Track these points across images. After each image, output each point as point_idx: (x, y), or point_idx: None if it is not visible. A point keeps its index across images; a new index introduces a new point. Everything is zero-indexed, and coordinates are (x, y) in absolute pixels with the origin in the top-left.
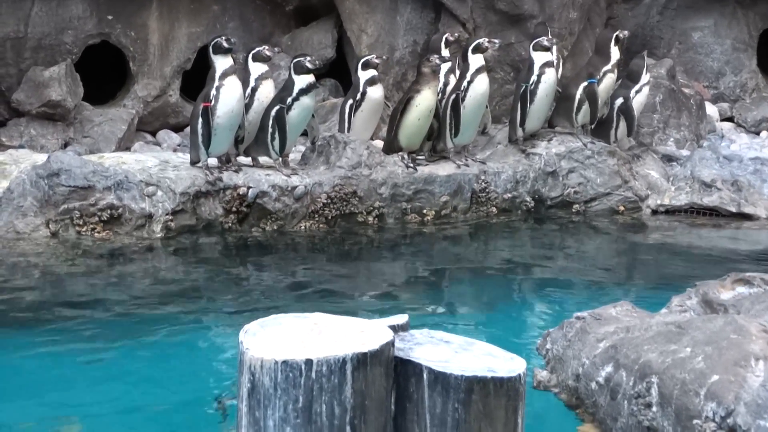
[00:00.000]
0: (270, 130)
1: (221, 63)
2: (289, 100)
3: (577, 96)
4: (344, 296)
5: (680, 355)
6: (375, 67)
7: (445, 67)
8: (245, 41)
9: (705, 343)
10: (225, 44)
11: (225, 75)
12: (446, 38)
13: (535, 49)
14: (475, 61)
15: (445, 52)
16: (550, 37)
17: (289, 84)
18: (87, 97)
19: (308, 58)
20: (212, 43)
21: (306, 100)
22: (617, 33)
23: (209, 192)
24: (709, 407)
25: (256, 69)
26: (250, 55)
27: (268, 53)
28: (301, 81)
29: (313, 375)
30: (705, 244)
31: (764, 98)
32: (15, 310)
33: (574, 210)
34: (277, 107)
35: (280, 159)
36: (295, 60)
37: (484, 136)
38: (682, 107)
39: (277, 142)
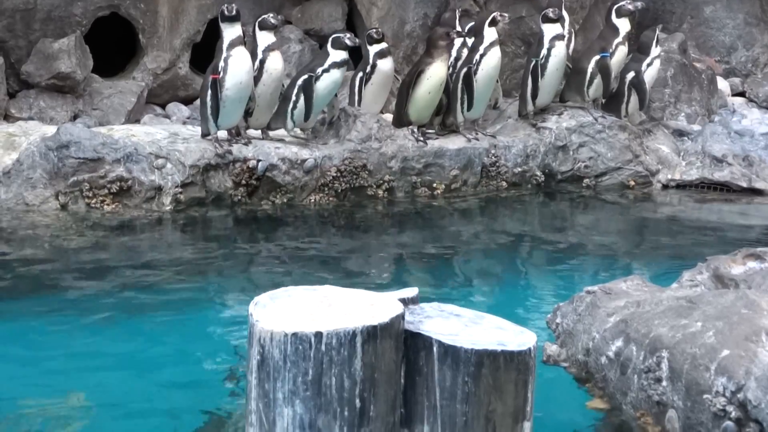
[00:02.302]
0: (294, 98)
1: (229, 32)
2: (320, 70)
3: (589, 70)
4: (354, 269)
5: (691, 330)
6: (377, 41)
7: (458, 41)
8: (255, 14)
9: (716, 317)
10: (226, 12)
11: (232, 45)
12: (460, 15)
13: (543, 21)
14: (489, 34)
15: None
16: (562, 9)
17: (321, 56)
18: (96, 70)
19: (348, 35)
20: (220, 12)
21: (336, 74)
22: (621, 4)
23: (219, 165)
24: (720, 382)
25: (264, 39)
26: (257, 24)
27: (273, 21)
28: (337, 55)
29: (323, 347)
30: (716, 219)
31: None
32: (24, 282)
33: (584, 184)
34: (305, 76)
35: (297, 130)
36: (334, 35)
37: (495, 110)
38: (694, 82)
39: (298, 111)
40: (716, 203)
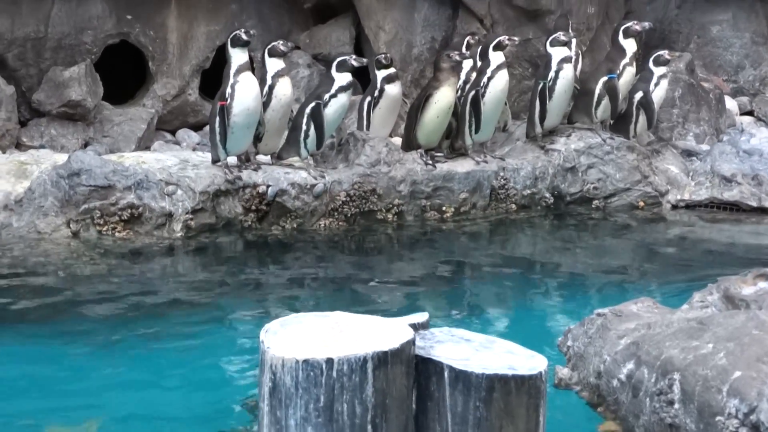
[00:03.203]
0: (304, 127)
1: (237, 58)
2: (327, 96)
3: (597, 91)
4: (364, 294)
5: (702, 352)
6: (385, 66)
7: (467, 65)
8: (263, 39)
9: (727, 339)
10: (244, 36)
11: (240, 71)
12: (467, 40)
13: (552, 45)
14: (496, 58)
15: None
16: (569, 31)
17: (326, 81)
18: (107, 97)
19: (353, 56)
20: (231, 36)
21: (343, 98)
22: (628, 25)
23: (229, 191)
24: (732, 404)
25: (273, 65)
26: (266, 51)
27: (282, 48)
28: (342, 78)
29: (334, 374)
30: (726, 239)
31: None
32: (37, 309)
33: (593, 206)
34: (312, 104)
35: (310, 158)
36: (339, 59)
37: (504, 132)
38: (702, 101)
39: (311, 140)
40: (726, 223)
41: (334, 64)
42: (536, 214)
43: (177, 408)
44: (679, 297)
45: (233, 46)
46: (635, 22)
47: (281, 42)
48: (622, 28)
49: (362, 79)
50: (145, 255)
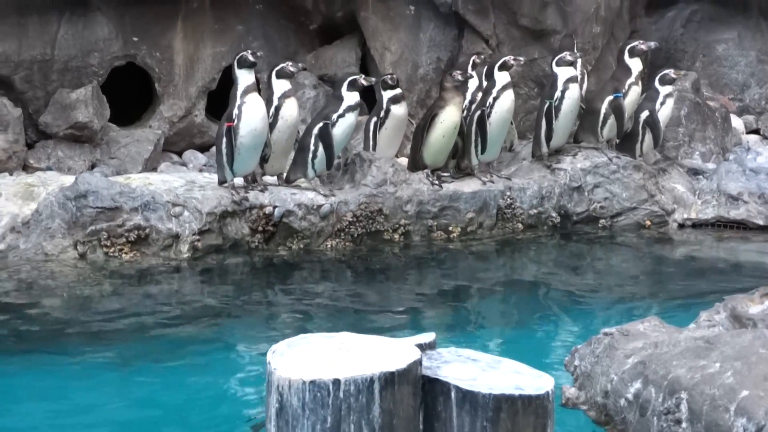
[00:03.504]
0: (312, 148)
1: (244, 79)
2: (335, 116)
3: (603, 110)
4: (371, 315)
5: (709, 371)
6: (392, 87)
7: (473, 84)
8: (269, 60)
9: (734, 358)
10: (250, 58)
11: (246, 92)
12: (473, 60)
13: (558, 65)
14: (501, 78)
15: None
16: (575, 51)
17: (334, 101)
18: (113, 119)
19: (362, 76)
20: (237, 57)
21: (351, 117)
22: (634, 44)
23: (235, 212)
24: (740, 423)
25: (280, 86)
26: (274, 72)
27: (291, 69)
28: (351, 98)
29: (341, 395)
30: (732, 257)
31: None
32: (43, 331)
33: (600, 225)
34: (320, 124)
35: (317, 179)
36: (351, 78)
37: (511, 152)
38: (708, 120)
39: (319, 160)
40: (733, 241)
41: (345, 83)
42: (543, 234)
43: (183, 429)
44: (686, 316)
45: (240, 67)
46: (641, 41)
47: (290, 63)
48: (628, 47)
49: (367, 100)
50: (152, 276)
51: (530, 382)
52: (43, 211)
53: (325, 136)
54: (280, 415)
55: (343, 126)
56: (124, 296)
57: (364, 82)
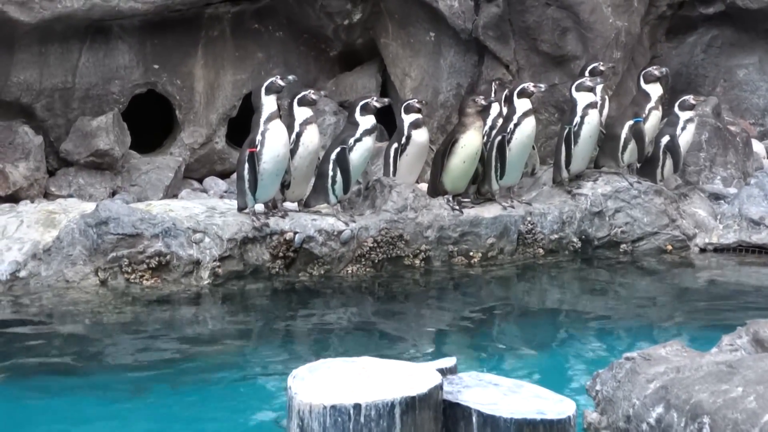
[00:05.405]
0: (331, 173)
1: (268, 105)
2: (352, 140)
3: (623, 135)
4: (392, 340)
5: (732, 395)
6: (417, 111)
7: (494, 111)
8: (289, 87)
9: (757, 382)
10: (280, 82)
11: (270, 119)
12: (495, 88)
13: (577, 90)
14: (522, 105)
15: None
16: (596, 78)
17: (350, 126)
18: (134, 146)
19: (375, 98)
20: (267, 83)
21: (369, 141)
22: (648, 70)
23: (256, 238)
24: None
25: (301, 114)
26: (296, 100)
27: (314, 96)
28: (366, 121)
29: (362, 419)
30: (754, 282)
31: None
32: (63, 357)
33: (621, 250)
34: (338, 149)
35: (339, 205)
36: (363, 102)
37: (532, 177)
38: (729, 145)
39: (338, 186)
40: (755, 266)
41: (358, 107)
42: (564, 259)
43: None
44: (708, 340)
45: (268, 93)
46: (655, 67)
47: (311, 91)
48: (642, 73)
49: (388, 126)
50: (172, 303)
51: (552, 406)
52: (64, 238)
53: (342, 161)
54: None
55: (360, 150)
56: (144, 323)
57: (377, 104)
